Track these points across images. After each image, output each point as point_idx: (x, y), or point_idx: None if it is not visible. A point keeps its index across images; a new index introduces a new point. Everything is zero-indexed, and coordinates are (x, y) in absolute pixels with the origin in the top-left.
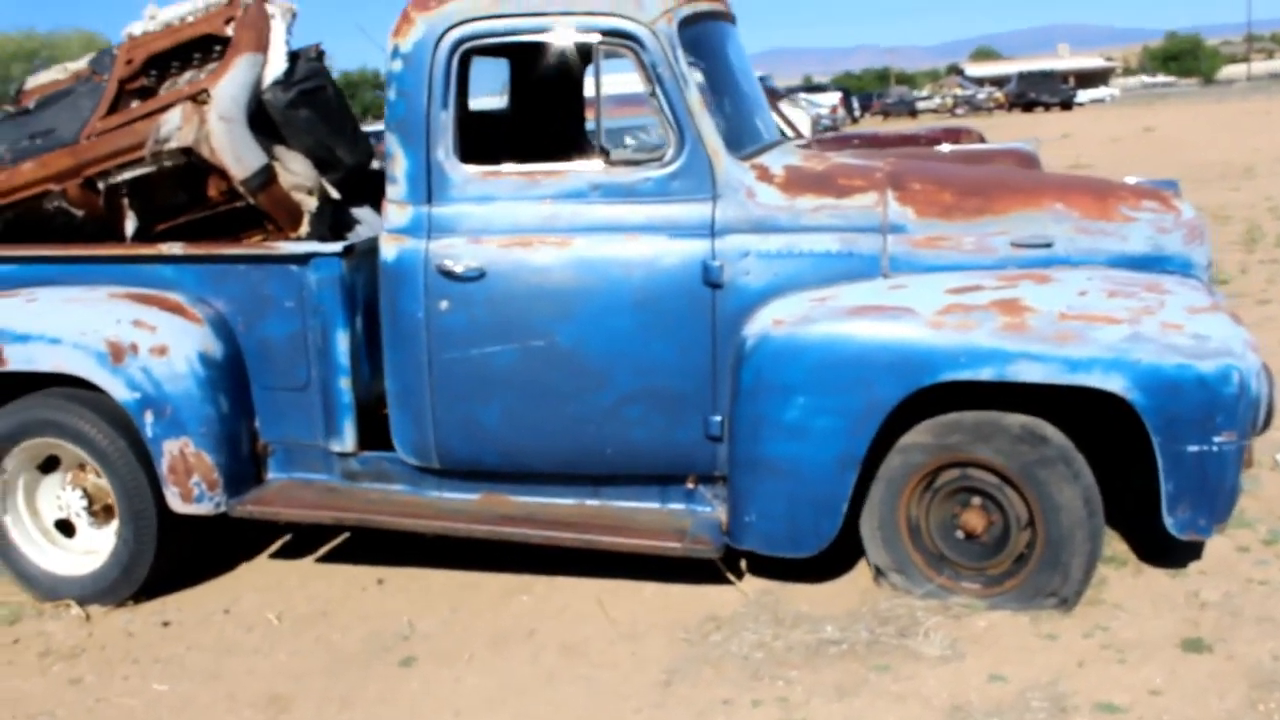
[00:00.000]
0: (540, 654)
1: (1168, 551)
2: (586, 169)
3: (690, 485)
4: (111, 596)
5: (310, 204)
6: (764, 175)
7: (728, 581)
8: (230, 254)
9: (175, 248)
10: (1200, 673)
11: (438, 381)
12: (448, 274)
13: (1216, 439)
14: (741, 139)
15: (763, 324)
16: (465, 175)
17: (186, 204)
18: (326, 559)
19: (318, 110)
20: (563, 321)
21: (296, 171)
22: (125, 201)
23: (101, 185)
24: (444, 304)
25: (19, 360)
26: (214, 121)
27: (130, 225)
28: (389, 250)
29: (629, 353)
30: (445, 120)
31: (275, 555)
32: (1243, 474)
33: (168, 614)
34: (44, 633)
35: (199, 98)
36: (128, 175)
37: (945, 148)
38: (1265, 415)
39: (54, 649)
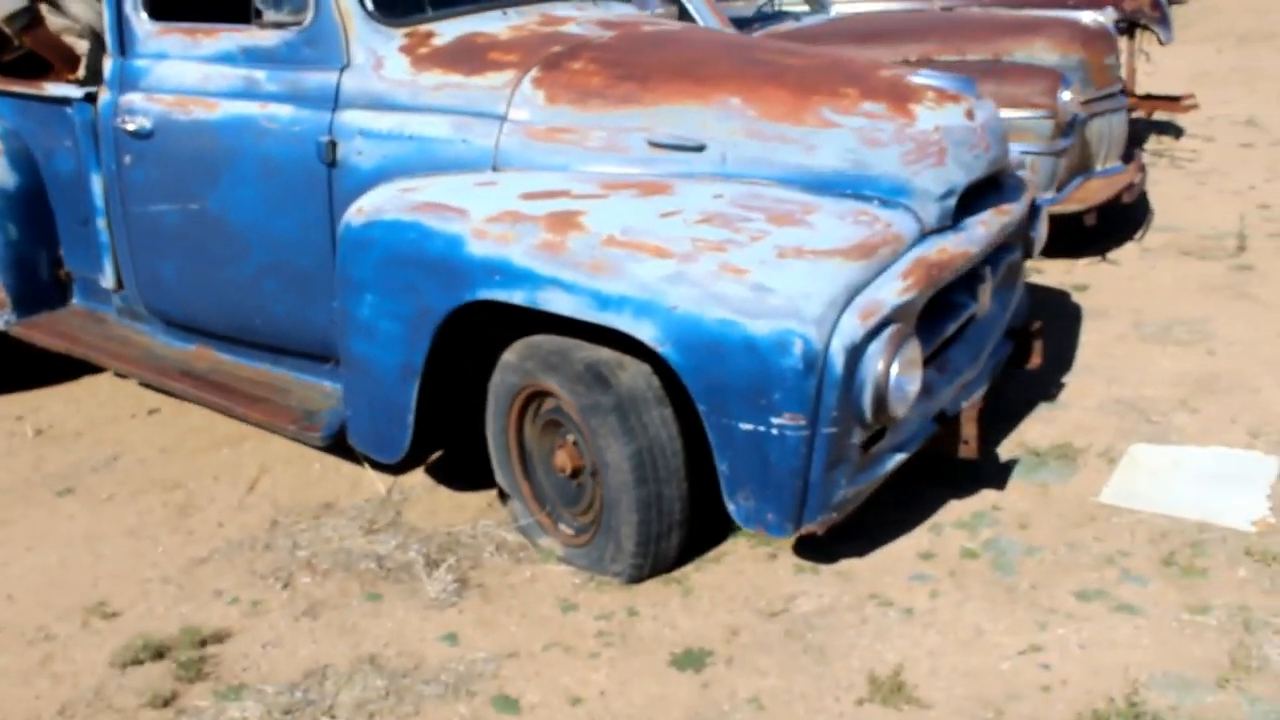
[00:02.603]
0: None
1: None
2: (239, 30)
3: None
4: None
5: (81, 47)
6: (412, 46)
7: (382, 471)
8: (10, 90)
9: None
10: (639, 700)
11: (131, 235)
12: (129, 129)
13: (774, 420)
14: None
15: (350, 212)
16: (147, 30)
17: None
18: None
19: None
20: (211, 187)
21: (74, 15)
22: None
23: None
24: (127, 159)
25: None
26: None
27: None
28: (100, 101)
29: (261, 225)
30: None
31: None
32: (852, 468)
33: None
34: None
35: None
36: None
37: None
38: (874, 404)
39: None
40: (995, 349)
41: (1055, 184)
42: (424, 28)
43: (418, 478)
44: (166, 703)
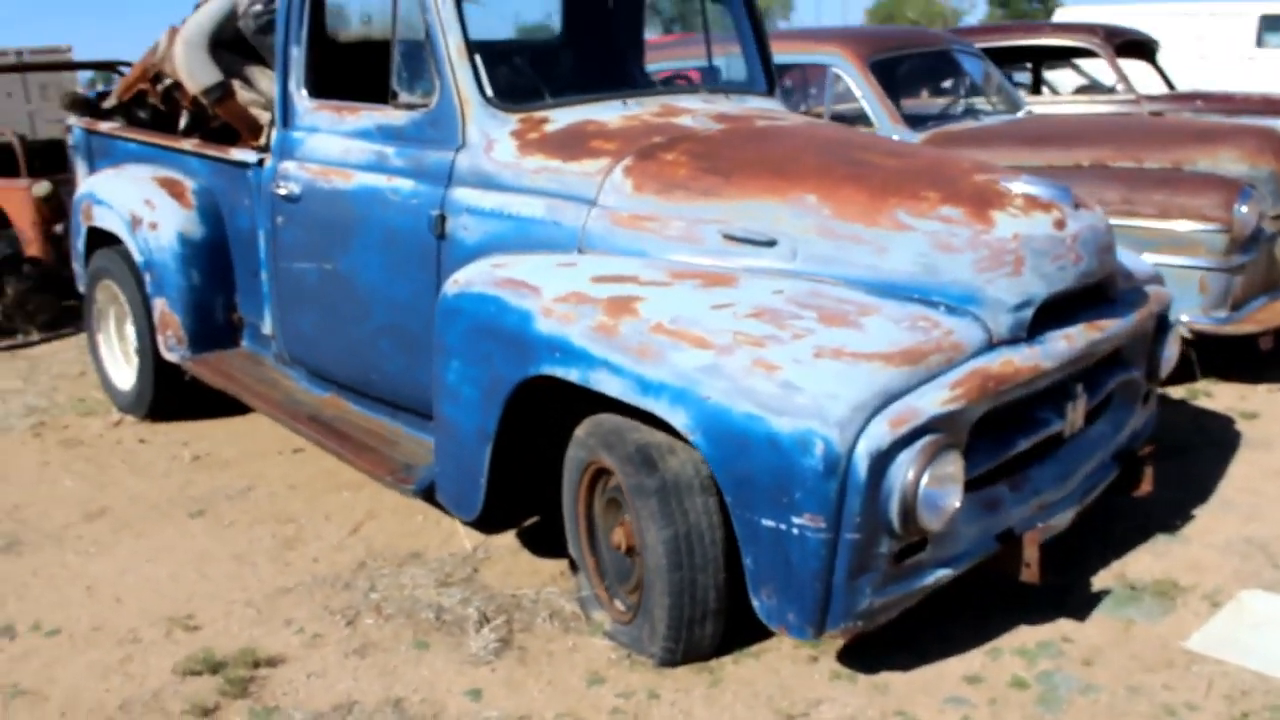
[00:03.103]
0: (264, 533)
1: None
2: (378, 110)
3: None
4: (136, 412)
5: (264, 118)
6: (523, 130)
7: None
8: (198, 151)
9: (184, 142)
10: None
11: (278, 288)
12: (280, 194)
13: (795, 519)
14: (549, 88)
15: (448, 283)
16: (305, 106)
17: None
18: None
19: None
20: (343, 250)
21: (261, 90)
22: (177, 101)
23: (159, 87)
24: (280, 219)
25: (97, 219)
26: (177, 44)
27: (183, 121)
28: (265, 166)
29: (381, 288)
30: (296, 54)
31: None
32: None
33: (178, 437)
34: (83, 424)
35: (178, 26)
36: (167, 82)
37: None
38: (901, 515)
39: (70, 436)
40: (1096, 472)
41: (1229, 302)
42: (540, 114)
43: (506, 540)
44: (207, 713)
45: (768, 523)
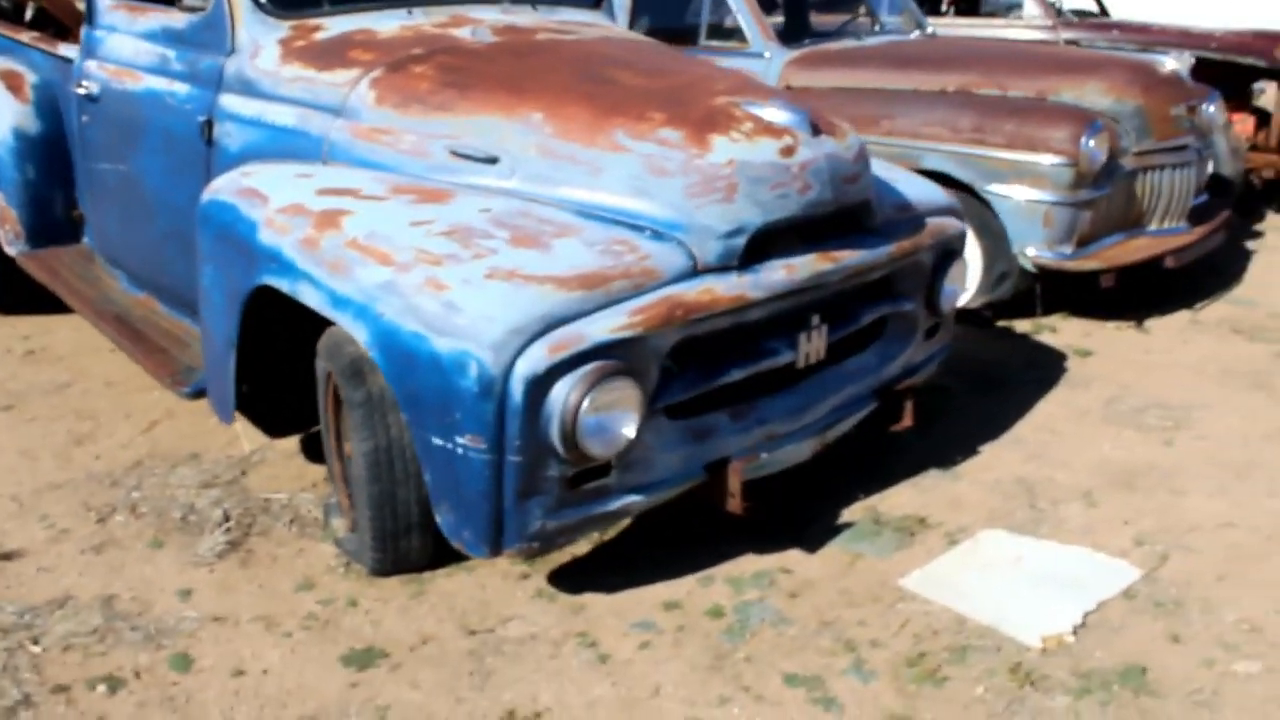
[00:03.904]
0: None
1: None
2: (164, 11)
3: None
4: None
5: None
6: (292, 39)
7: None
8: (33, 44)
9: (24, 33)
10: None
11: (89, 187)
12: (81, 93)
13: (460, 439)
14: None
15: (206, 189)
16: (106, 4)
17: None
18: None
19: None
20: (133, 152)
21: None
22: None
23: None
24: (85, 118)
25: None
26: None
27: (29, 12)
28: (75, 64)
29: (163, 192)
30: None
31: None
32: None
33: (21, 330)
34: None
35: None
36: None
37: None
38: (563, 440)
39: None
40: (847, 405)
41: (1074, 238)
42: (314, 21)
43: (288, 444)
44: None
45: (438, 441)
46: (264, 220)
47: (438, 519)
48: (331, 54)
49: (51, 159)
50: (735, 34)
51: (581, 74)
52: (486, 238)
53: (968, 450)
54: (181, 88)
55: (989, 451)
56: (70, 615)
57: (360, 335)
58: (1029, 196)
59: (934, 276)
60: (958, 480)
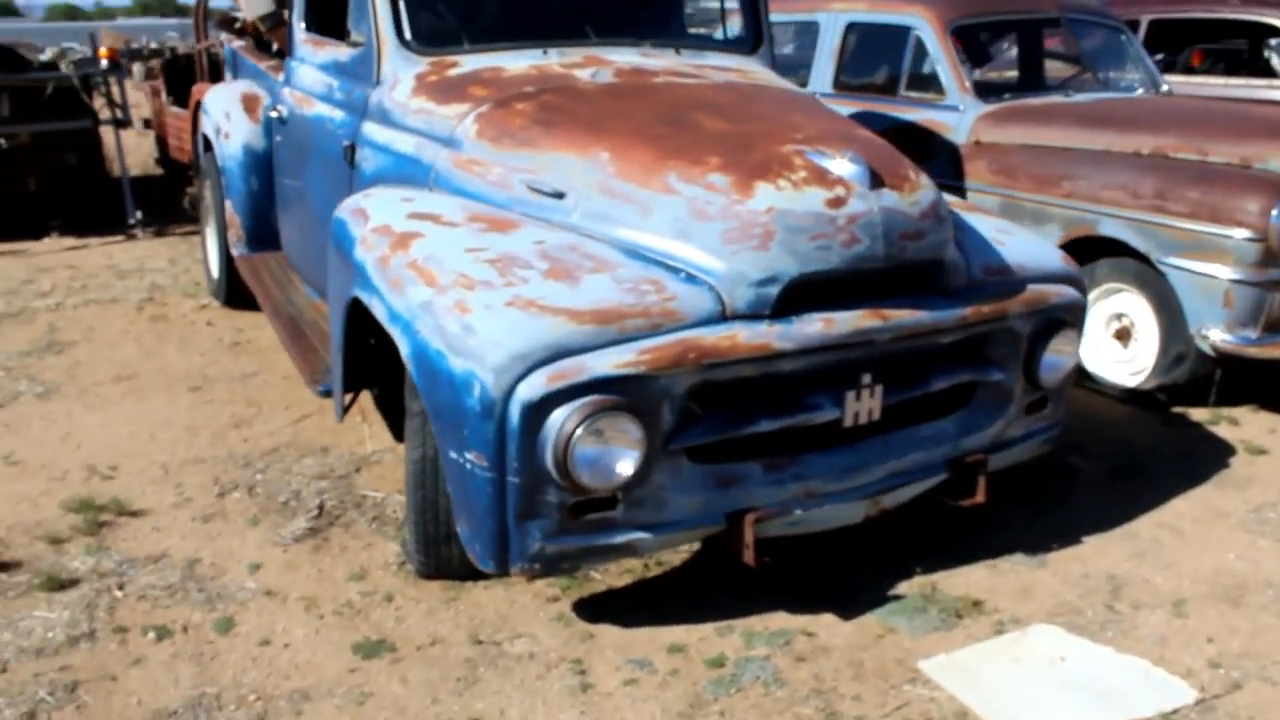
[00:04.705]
0: (225, 412)
1: None
2: (337, 46)
3: None
4: (219, 298)
5: None
6: (427, 73)
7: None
8: (268, 71)
9: (265, 62)
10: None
11: (279, 200)
12: (274, 116)
13: (468, 455)
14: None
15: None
16: (300, 37)
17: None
18: None
19: None
20: (305, 170)
21: None
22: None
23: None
24: (277, 139)
25: (202, 126)
26: None
27: (275, 46)
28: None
29: (322, 208)
30: None
31: None
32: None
33: (239, 323)
34: (178, 304)
35: None
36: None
37: None
38: (557, 468)
39: (161, 313)
40: (911, 473)
41: (1260, 322)
42: (451, 59)
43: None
44: (55, 541)
45: (454, 455)
46: (360, 238)
47: (458, 530)
48: (453, 89)
49: (270, 174)
50: (935, 85)
51: (665, 117)
52: (525, 268)
53: (1069, 538)
54: (338, 114)
55: (1092, 543)
56: (157, 570)
57: (403, 349)
58: (1208, 272)
59: (1033, 346)
60: (1041, 568)
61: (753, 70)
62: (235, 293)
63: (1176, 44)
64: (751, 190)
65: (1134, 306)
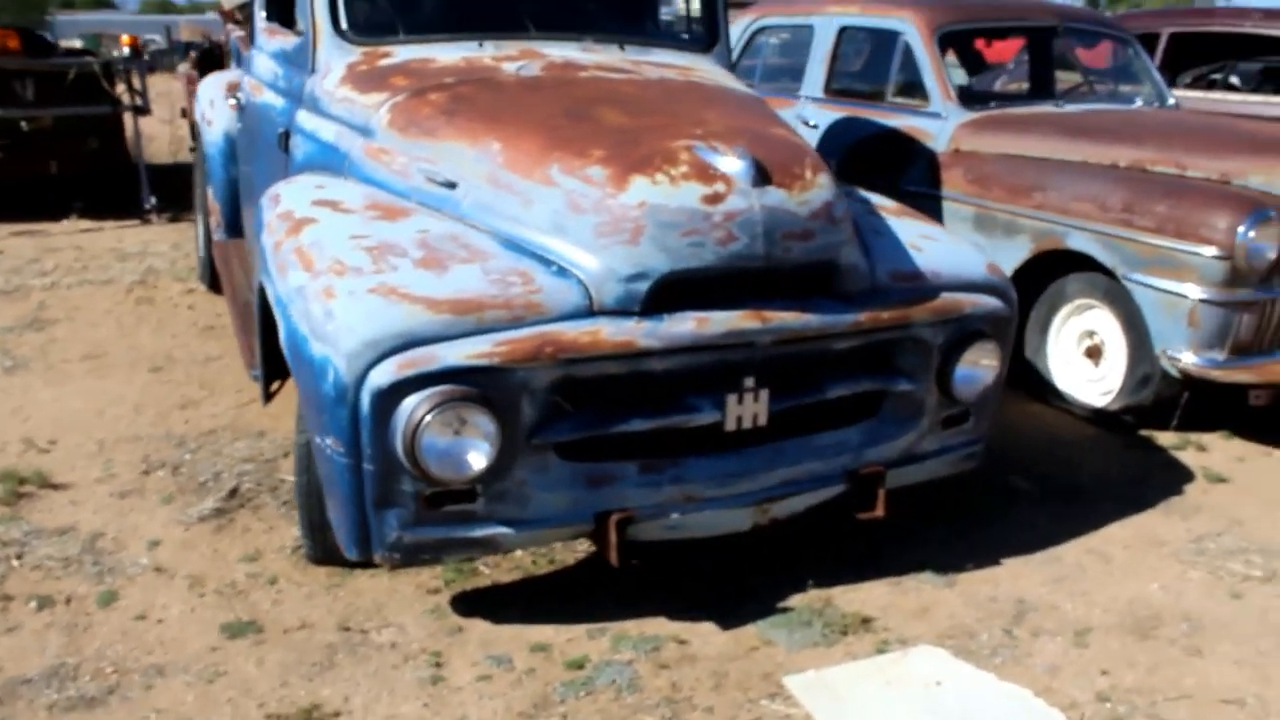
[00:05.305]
0: (175, 392)
1: None
2: (285, 35)
3: None
4: (205, 283)
5: None
6: (358, 63)
7: None
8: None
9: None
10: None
11: (241, 186)
12: (232, 105)
13: (327, 440)
14: (405, 25)
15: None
16: (260, 26)
17: None
18: None
19: None
20: (254, 155)
21: None
22: None
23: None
24: (239, 126)
25: (195, 114)
26: None
27: None
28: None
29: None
30: None
31: None
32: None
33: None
34: (167, 288)
35: None
36: None
37: None
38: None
39: (148, 296)
40: (803, 481)
41: (1226, 344)
42: (384, 49)
43: None
44: None
45: (318, 440)
46: (266, 224)
47: (329, 516)
48: (377, 78)
49: None
50: (921, 92)
51: (569, 110)
52: (400, 256)
53: (987, 558)
54: (279, 101)
55: (1010, 565)
56: (59, 542)
57: (280, 333)
58: (1174, 290)
59: (946, 358)
60: (947, 588)
61: (701, 68)
62: (216, 278)
63: (1198, 59)
64: (626, 184)
65: (1104, 324)
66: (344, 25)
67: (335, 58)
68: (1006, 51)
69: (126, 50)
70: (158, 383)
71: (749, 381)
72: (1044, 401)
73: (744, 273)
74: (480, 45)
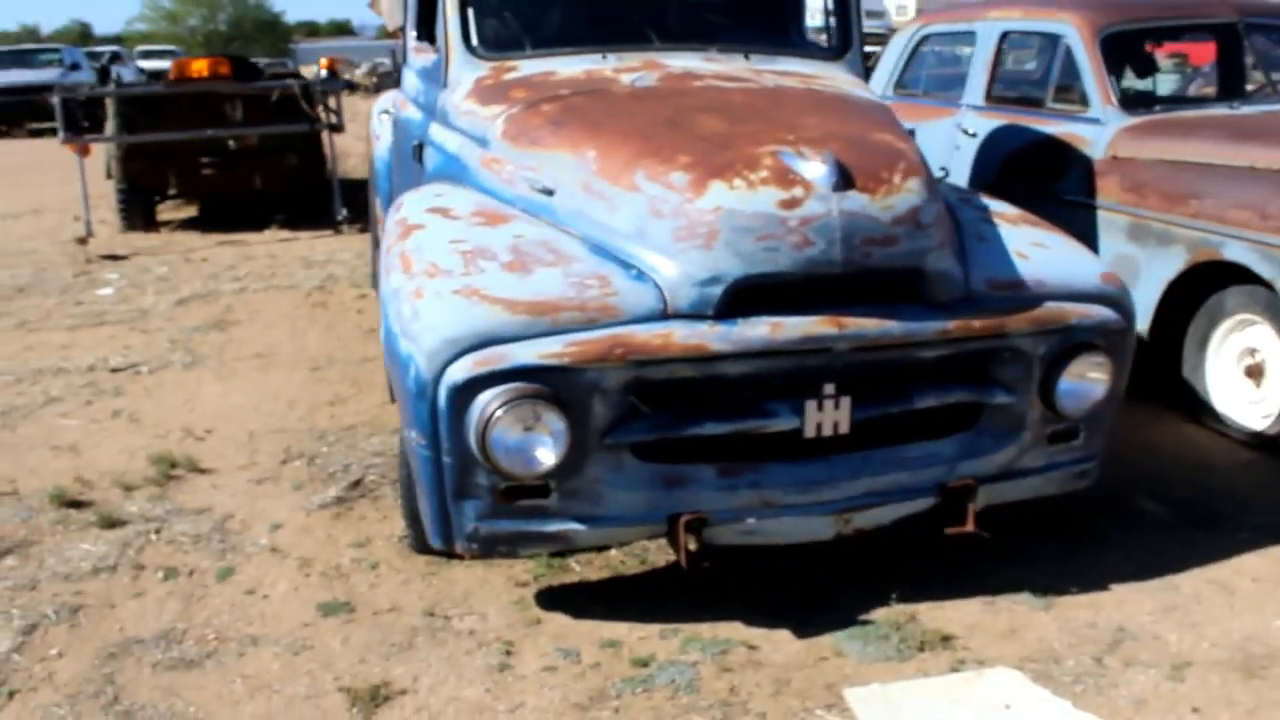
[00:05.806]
0: (325, 390)
1: None
2: (429, 52)
3: None
4: (375, 289)
5: None
6: (485, 78)
7: None
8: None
9: None
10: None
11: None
12: (384, 118)
13: (412, 434)
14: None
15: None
16: (411, 46)
17: None
18: None
19: None
20: (401, 167)
21: None
22: None
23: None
24: (394, 140)
25: (371, 130)
26: None
27: None
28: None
29: None
30: (411, 1)
31: None
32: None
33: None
34: (342, 294)
35: None
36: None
37: None
38: (480, 451)
39: (324, 300)
40: (892, 493)
41: None
42: (510, 64)
43: None
44: (127, 488)
45: (406, 433)
46: (387, 230)
47: (418, 505)
48: (500, 92)
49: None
50: (1081, 97)
51: (670, 118)
52: (490, 259)
53: (1095, 582)
54: (418, 115)
55: (1119, 591)
56: (194, 521)
57: (380, 331)
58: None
59: (1050, 369)
60: (1044, 610)
61: (827, 75)
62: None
63: None
64: (704, 189)
65: (1266, 341)
66: (474, 41)
67: (465, 73)
68: (1206, 54)
69: (324, 72)
70: (314, 380)
71: (829, 388)
72: (1198, 423)
73: (823, 278)
74: (604, 58)
